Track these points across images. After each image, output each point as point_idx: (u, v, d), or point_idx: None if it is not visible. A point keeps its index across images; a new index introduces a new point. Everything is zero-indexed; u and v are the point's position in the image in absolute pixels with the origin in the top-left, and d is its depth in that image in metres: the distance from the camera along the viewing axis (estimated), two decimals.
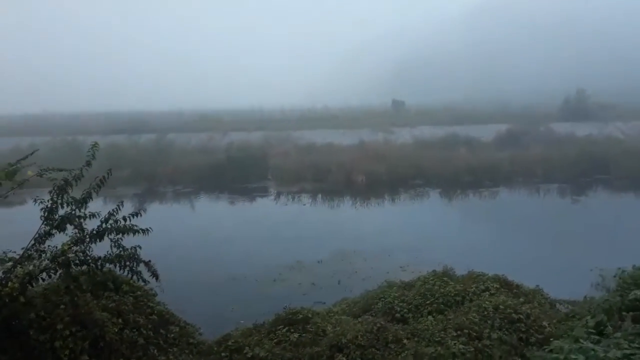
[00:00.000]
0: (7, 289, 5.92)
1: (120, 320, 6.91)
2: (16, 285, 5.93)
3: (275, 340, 8.68)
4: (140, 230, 6.87)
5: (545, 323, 8.75)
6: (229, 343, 7.98)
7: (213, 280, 15.32)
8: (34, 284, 6.17)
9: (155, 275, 6.86)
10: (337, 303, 12.35)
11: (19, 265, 6.18)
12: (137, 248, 6.72)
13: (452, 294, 10.41)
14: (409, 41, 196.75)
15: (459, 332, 7.96)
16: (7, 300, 5.92)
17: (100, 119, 69.08)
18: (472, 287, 10.70)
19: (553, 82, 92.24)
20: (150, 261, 6.91)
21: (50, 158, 44.61)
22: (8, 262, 6.34)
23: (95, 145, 7.32)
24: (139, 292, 7.92)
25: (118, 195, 32.89)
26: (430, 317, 9.84)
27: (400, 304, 10.55)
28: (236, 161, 37.65)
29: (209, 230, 22.16)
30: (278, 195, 31.98)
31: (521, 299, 10.80)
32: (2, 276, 6.18)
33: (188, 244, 19.82)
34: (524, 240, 20.60)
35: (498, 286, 10.82)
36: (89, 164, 7.23)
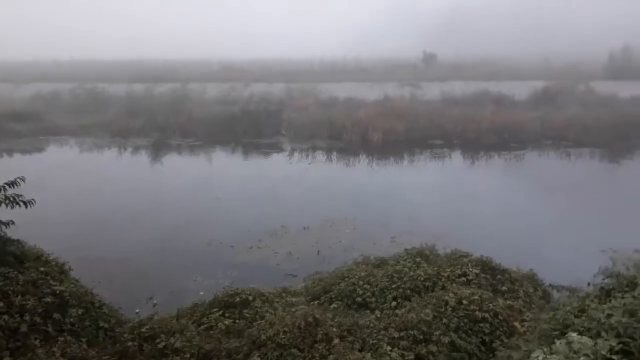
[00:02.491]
0: None
1: (1, 304, 6.01)
2: None
3: (205, 326, 7.71)
4: (20, 202, 5.84)
5: (517, 323, 7.44)
6: (143, 330, 7.03)
7: (187, 245, 14.46)
8: None
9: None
10: (306, 277, 11.31)
11: None
12: (7, 225, 5.70)
13: (422, 279, 9.19)
14: None
15: (402, 333, 6.74)
16: None
17: (126, 66, 68.65)
18: (446, 272, 9.42)
19: (601, 37, 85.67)
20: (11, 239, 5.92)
21: (73, 104, 44.83)
22: None
23: None
24: (42, 268, 6.97)
25: (135, 146, 32.63)
26: (393, 303, 8.71)
27: (365, 285, 9.41)
28: (250, 114, 36.42)
29: (201, 189, 21.23)
30: (292, 152, 30.76)
31: (504, 287, 9.51)
32: None
33: (174, 203, 18.99)
34: (541, 210, 18.79)
35: (477, 271, 9.50)
36: None
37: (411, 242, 13.86)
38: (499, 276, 9.70)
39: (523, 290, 9.61)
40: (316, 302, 9.25)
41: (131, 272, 12.42)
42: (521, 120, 34.13)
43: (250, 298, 8.18)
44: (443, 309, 7.34)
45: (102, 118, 38.44)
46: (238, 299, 8.08)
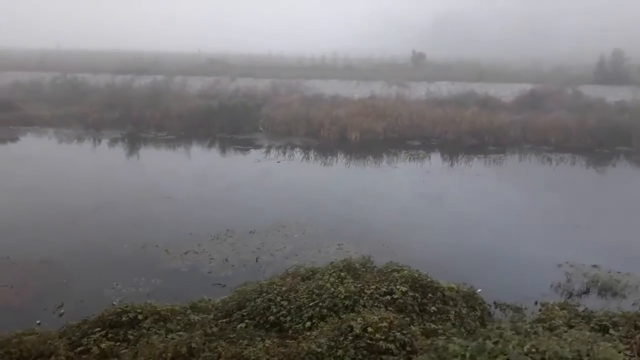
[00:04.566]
0: None
1: None
2: None
3: (82, 348, 6.89)
4: None
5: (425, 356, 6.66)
6: (2, 352, 6.23)
7: (120, 248, 13.51)
8: None
9: None
10: (233, 289, 10.51)
11: None
12: None
13: (342, 296, 8.41)
14: None
15: None
16: None
17: (114, 57, 67.53)
18: (371, 288, 8.65)
19: (592, 41, 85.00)
20: None
21: (52, 94, 43.81)
22: None
23: None
24: None
25: (107, 139, 31.68)
26: (307, 324, 7.95)
27: (282, 302, 8.64)
28: (228, 109, 35.42)
29: (156, 186, 20.21)
30: (268, 148, 29.81)
31: (433, 308, 8.75)
32: None
33: (124, 201, 18.04)
34: (509, 219, 17.94)
35: (406, 289, 8.72)
36: None
37: (358, 251, 13.17)
38: (430, 294, 8.92)
39: (455, 311, 8.85)
40: (226, 319, 8.48)
41: (51, 277, 11.59)
42: (503, 123, 33.36)
43: (140, 317, 7.36)
44: (342, 338, 6.54)
45: (78, 109, 37.47)
46: (124, 318, 7.26)
